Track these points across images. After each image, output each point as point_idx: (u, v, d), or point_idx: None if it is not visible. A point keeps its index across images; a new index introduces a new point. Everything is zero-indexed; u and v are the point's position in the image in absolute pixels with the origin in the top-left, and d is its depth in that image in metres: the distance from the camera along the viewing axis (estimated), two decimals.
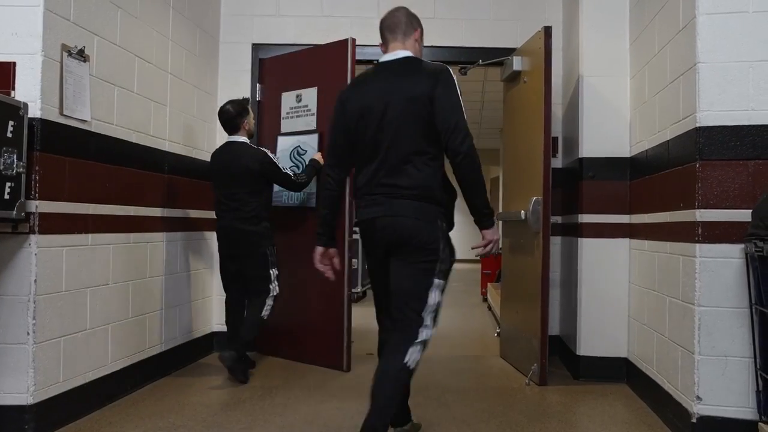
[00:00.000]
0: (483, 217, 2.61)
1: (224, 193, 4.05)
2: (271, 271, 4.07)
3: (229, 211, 4.03)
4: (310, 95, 4.53)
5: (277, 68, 4.79)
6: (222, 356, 3.85)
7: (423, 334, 2.53)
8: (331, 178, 2.74)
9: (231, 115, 4.08)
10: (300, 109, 4.57)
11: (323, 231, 2.75)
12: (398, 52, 2.66)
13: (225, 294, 4.24)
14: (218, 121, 4.11)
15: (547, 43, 3.88)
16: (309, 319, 4.46)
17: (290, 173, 4.11)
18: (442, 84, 2.51)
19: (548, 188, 3.89)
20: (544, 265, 3.88)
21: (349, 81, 4.07)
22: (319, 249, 2.75)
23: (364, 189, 2.64)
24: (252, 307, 4.04)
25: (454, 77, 2.55)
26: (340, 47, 4.33)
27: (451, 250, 2.65)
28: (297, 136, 4.56)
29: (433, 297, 2.55)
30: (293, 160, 4.55)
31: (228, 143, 4.13)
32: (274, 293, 4.07)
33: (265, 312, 4.02)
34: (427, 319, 2.54)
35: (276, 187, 4.41)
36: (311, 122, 4.51)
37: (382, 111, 2.55)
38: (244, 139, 4.13)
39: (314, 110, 4.50)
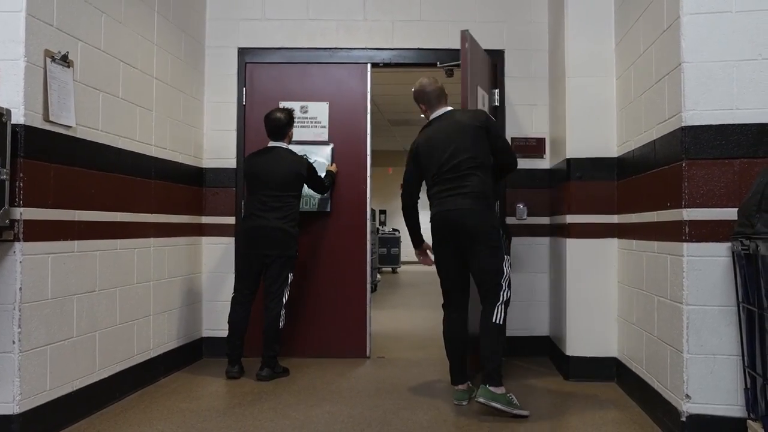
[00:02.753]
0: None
1: (267, 195, 4.18)
2: (290, 274, 4.23)
3: (272, 211, 4.16)
4: (319, 108, 4.88)
5: (273, 76, 4.89)
6: (260, 376, 4.07)
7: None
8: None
9: (282, 123, 4.29)
10: (306, 120, 4.87)
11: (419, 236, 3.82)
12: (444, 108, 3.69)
13: (234, 292, 4.25)
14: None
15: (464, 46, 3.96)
16: (328, 314, 4.79)
17: (323, 177, 4.54)
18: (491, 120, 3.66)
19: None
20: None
21: (368, 102, 4.86)
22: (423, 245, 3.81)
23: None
24: (268, 320, 4.14)
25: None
26: (358, 70, 4.88)
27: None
28: (303, 145, 4.76)
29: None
30: None
31: (271, 148, 4.31)
32: (285, 297, 4.20)
33: (281, 322, 4.19)
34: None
35: None
36: (321, 134, 4.87)
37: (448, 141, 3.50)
38: (287, 145, 4.34)
39: (325, 123, 4.87)
